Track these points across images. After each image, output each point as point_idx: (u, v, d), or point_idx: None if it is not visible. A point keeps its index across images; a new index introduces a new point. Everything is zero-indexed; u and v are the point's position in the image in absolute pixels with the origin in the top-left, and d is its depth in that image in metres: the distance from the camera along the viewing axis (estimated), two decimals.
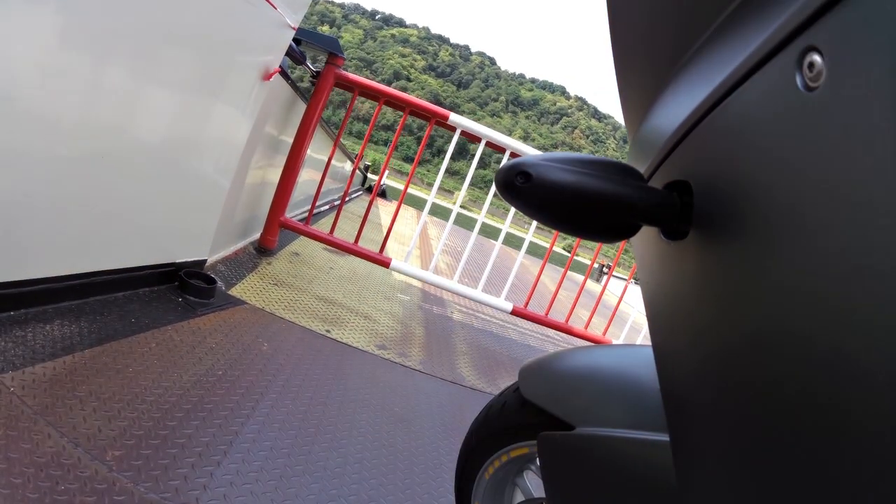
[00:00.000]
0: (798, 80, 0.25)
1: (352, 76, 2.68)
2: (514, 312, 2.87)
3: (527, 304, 2.91)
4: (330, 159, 2.89)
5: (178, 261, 1.84)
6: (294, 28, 2.03)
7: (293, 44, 2.34)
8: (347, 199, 5.20)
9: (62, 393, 1.07)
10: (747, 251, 0.28)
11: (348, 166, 6.97)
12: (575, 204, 0.34)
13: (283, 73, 2.26)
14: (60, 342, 1.24)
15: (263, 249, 2.68)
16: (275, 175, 2.70)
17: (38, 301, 1.33)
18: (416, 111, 2.67)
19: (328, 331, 2.02)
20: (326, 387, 1.54)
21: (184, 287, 1.77)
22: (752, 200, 0.28)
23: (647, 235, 0.40)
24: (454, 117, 2.68)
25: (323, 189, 3.03)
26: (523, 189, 0.34)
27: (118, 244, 1.58)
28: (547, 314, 2.96)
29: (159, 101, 1.53)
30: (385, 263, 2.70)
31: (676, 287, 0.36)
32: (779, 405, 0.26)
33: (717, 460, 0.32)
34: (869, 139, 0.21)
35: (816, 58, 0.24)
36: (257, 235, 2.75)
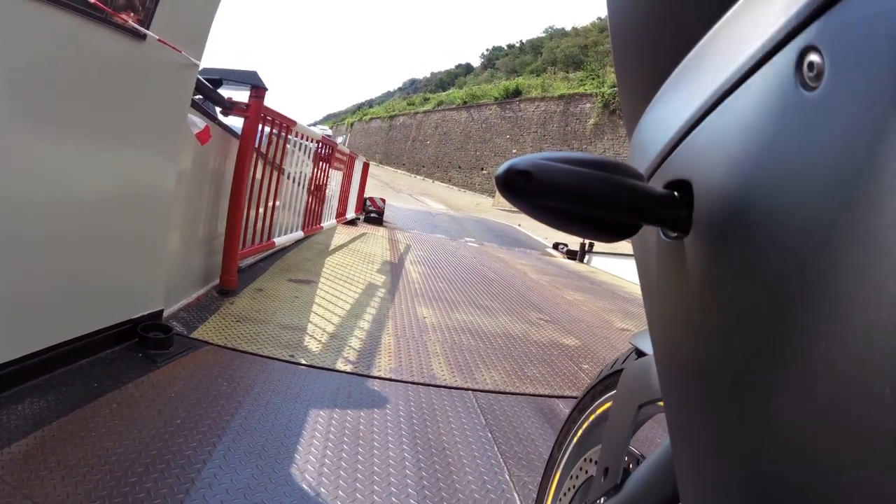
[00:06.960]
0: (798, 80, 0.25)
1: (273, 109, 2.74)
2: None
3: None
4: (277, 186, 2.96)
5: (134, 316, 1.95)
6: (197, 63, 2.02)
7: (207, 83, 2.37)
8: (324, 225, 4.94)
9: (35, 466, 1.21)
10: (748, 251, 0.28)
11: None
12: (575, 203, 0.34)
13: (202, 111, 2.29)
14: (31, 419, 1.37)
15: (226, 290, 2.77)
16: (224, 216, 2.77)
17: (10, 383, 1.46)
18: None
19: (292, 356, 2.13)
20: (286, 416, 1.65)
21: (143, 341, 1.89)
22: (752, 200, 0.28)
23: (647, 235, 0.40)
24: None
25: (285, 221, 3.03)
26: (523, 189, 0.34)
27: (72, 313, 1.69)
28: None
29: (63, 168, 1.55)
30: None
31: (676, 287, 0.36)
32: (780, 405, 0.26)
33: (717, 461, 0.32)
34: (869, 139, 0.22)
35: (816, 58, 0.24)
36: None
